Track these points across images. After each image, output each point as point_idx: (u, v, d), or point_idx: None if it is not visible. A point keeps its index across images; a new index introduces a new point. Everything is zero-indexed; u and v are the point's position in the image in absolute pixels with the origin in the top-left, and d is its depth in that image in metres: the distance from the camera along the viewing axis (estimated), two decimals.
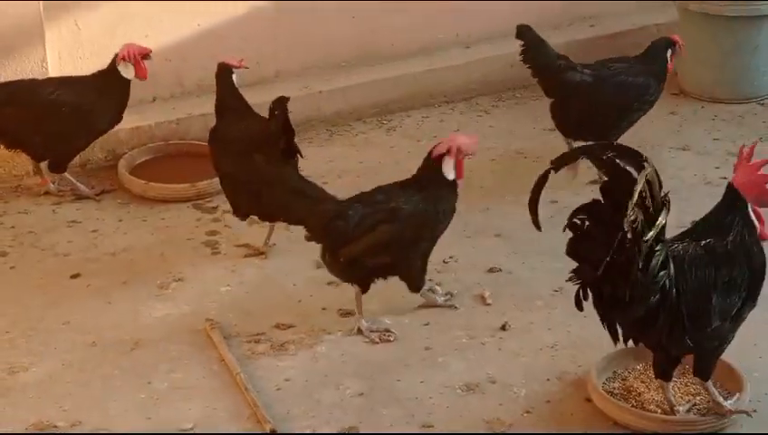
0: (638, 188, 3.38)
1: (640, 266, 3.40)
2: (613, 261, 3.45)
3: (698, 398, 3.79)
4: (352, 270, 4.13)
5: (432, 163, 4.20)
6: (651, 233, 3.41)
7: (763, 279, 3.62)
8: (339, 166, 5.39)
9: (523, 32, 5.16)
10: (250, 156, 4.45)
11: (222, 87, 4.76)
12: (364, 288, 4.18)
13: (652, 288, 3.46)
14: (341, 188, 5.20)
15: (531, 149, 5.49)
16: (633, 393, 3.82)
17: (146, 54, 4.98)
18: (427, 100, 5.87)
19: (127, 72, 4.98)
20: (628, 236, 3.39)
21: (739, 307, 3.58)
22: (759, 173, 3.54)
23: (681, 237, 3.66)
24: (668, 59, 5.11)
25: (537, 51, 5.16)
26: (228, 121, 4.70)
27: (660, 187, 3.50)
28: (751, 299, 3.60)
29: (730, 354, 3.91)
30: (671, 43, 5.10)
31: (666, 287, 3.48)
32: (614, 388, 3.85)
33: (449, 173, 4.19)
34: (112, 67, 4.99)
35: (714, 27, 5.37)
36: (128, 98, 5.04)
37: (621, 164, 3.51)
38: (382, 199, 4.16)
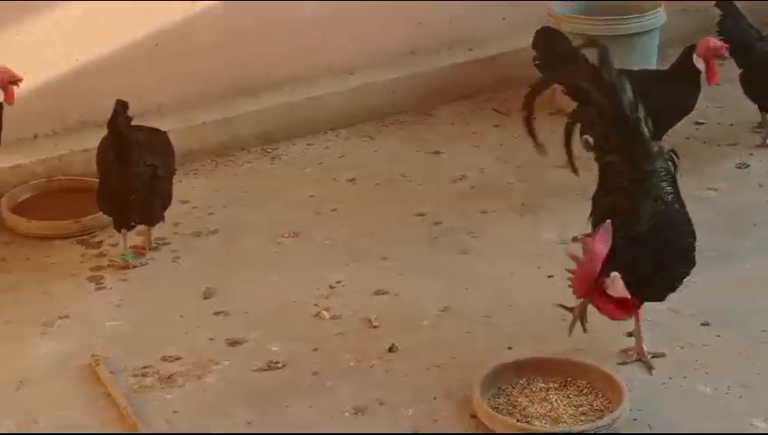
0: None
1: None
2: None
3: (581, 409, 3.88)
4: None
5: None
6: None
7: None
8: (224, 196, 5.39)
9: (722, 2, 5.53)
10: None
11: None
12: None
13: None
14: (227, 218, 5.22)
15: (415, 172, 5.56)
16: (518, 408, 3.88)
17: (15, 81, 4.94)
18: (312, 127, 5.90)
19: None
20: None
21: None
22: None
23: None
24: None
25: (733, 22, 5.48)
26: None
27: None
28: None
29: (610, 364, 4.02)
30: None
31: None
32: (499, 403, 3.91)
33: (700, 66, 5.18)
34: None
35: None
36: (1, 118, 4.97)
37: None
38: None
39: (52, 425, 3.93)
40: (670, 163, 4.10)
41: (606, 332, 4.13)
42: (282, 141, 5.83)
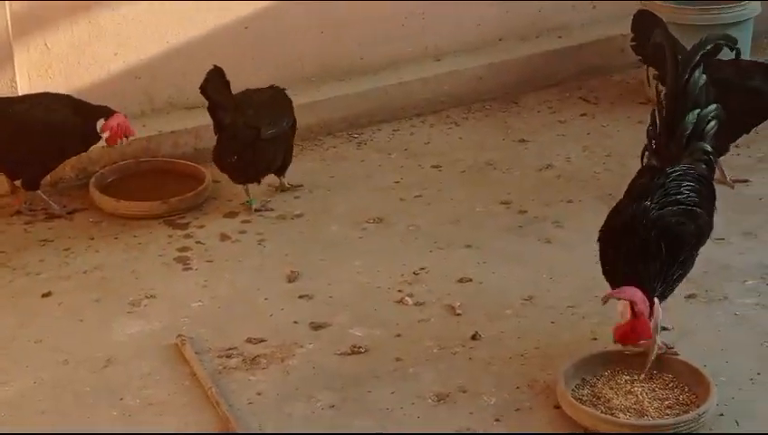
0: None
1: None
2: None
3: (666, 402, 3.83)
4: None
5: None
6: None
7: None
8: (310, 180, 5.41)
9: None
10: None
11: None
12: None
13: None
14: (313, 202, 5.24)
15: (500, 160, 5.53)
16: (602, 400, 3.85)
17: (128, 135, 5.06)
18: (398, 113, 5.90)
19: (103, 134, 5.04)
20: None
21: None
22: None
23: None
24: None
25: None
26: None
27: None
28: None
29: (697, 358, 3.97)
30: None
31: None
32: (583, 395, 3.88)
33: None
34: (93, 116, 5.01)
35: (680, 36, 5.40)
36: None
37: None
38: None
39: (137, 404, 3.99)
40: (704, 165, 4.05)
41: (692, 327, 4.08)
42: (367, 127, 5.84)
